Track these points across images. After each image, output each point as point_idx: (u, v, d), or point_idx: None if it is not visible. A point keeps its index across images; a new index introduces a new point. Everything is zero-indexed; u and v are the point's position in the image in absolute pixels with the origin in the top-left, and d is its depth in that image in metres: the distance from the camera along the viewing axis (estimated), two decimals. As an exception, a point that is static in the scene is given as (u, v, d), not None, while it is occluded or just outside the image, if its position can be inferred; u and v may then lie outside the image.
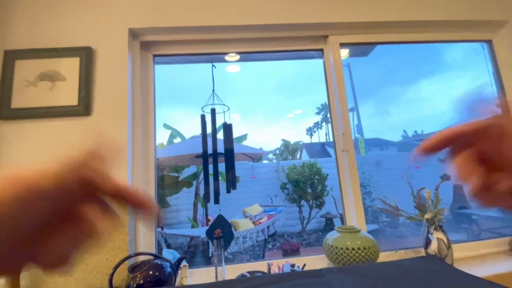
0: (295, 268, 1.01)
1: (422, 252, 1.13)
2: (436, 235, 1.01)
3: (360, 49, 1.60)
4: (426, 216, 1.02)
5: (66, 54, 1.11)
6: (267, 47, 1.32)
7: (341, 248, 0.96)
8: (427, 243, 1.03)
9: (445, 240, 0.99)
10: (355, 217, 1.20)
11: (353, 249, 0.94)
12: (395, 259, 1.13)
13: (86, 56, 1.11)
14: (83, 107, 1.07)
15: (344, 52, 1.47)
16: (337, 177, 1.30)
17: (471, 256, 1.17)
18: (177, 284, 0.98)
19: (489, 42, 1.46)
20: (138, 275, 0.85)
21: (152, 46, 1.27)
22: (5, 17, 1.14)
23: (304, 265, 1.05)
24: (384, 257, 1.13)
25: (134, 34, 1.21)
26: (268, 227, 3.97)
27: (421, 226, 1.25)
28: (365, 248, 0.94)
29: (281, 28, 1.26)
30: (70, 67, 1.10)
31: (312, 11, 1.25)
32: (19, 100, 1.06)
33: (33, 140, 1.05)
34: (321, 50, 1.36)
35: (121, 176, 1.04)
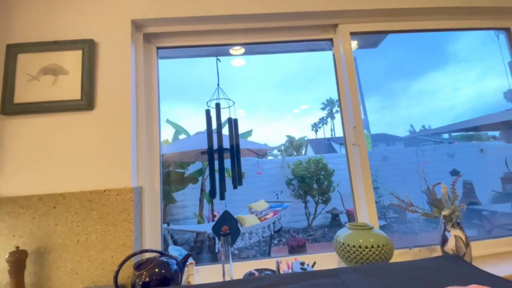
0: (305, 266, 0.98)
1: (437, 250, 1.08)
2: (454, 233, 0.96)
3: (371, 39, 1.53)
4: (443, 213, 0.97)
5: (68, 47, 1.08)
6: (274, 38, 1.27)
7: (353, 246, 0.92)
8: (444, 241, 0.98)
9: (463, 238, 0.95)
10: (366, 213, 1.16)
11: (366, 247, 0.90)
12: (409, 257, 1.09)
13: (89, 49, 1.08)
14: (86, 101, 1.04)
15: (353, 44, 1.41)
16: (347, 172, 1.25)
17: (488, 255, 1.13)
18: (183, 282, 0.96)
19: (507, 30, 1.39)
20: (144, 273, 0.83)
21: (155, 38, 1.23)
22: (7, 10, 1.11)
23: (314, 263, 1.01)
24: (397, 255, 1.08)
25: (137, 25, 1.17)
26: (274, 223, 3.95)
27: (431, 222, 1.20)
28: (378, 246, 0.90)
29: (288, 17, 1.21)
30: (72, 60, 1.07)
31: (321, -1, 1.19)
32: (22, 95, 1.04)
33: (36, 136, 1.03)
34: (331, 40, 1.30)
35: (125, 172, 1.02)
